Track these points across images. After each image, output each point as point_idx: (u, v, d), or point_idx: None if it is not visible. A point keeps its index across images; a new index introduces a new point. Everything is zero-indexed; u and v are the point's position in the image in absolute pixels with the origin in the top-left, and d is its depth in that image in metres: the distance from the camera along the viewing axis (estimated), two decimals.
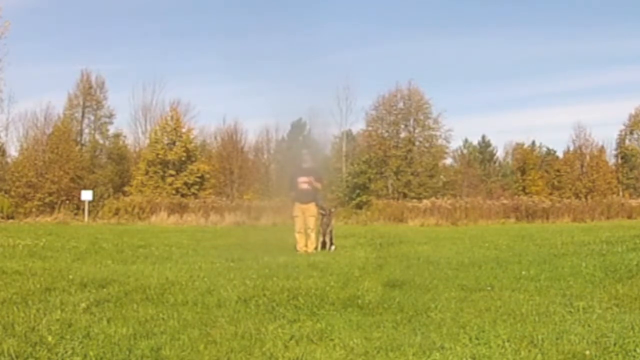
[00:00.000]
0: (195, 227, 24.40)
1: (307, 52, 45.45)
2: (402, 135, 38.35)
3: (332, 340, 3.93)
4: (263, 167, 40.23)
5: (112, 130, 39.23)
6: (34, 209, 29.05)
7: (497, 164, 44.91)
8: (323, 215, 11.33)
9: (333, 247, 11.39)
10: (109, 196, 31.03)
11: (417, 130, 38.35)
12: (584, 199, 34.47)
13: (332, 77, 39.58)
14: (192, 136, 35.52)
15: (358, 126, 40.80)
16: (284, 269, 7.35)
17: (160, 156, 33.10)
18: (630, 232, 14.33)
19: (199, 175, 33.71)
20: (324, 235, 11.38)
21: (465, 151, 44.19)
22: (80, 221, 27.14)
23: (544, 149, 44.39)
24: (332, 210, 12.21)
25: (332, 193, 32.67)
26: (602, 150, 41.49)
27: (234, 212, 29.04)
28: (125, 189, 33.36)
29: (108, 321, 4.35)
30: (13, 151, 35.16)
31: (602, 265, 7.17)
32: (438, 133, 37.96)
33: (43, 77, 52.30)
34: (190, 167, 33.66)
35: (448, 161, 41.29)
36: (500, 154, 45.62)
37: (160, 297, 5.33)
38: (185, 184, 33.06)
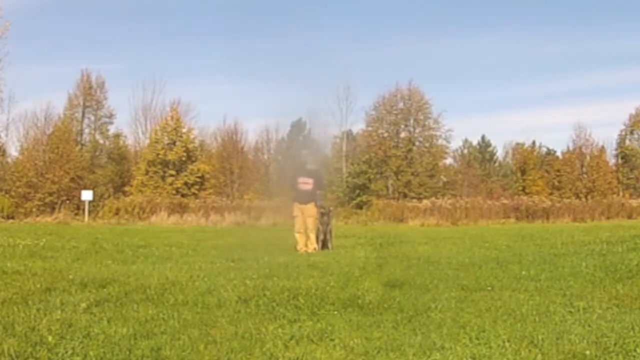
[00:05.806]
0: (196, 227, 24.40)
1: (307, 52, 45.36)
2: (402, 135, 38.33)
3: (332, 340, 3.93)
4: (263, 167, 40.21)
5: (112, 130, 39.22)
6: (34, 209, 29.08)
7: (497, 164, 44.86)
8: (323, 214, 11.28)
9: (330, 247, 11.29)
10: (109, 196, 31.07)
11: (417, 130, 38.35)
12: (584, 199, 34.44)
13: (332, 77, 39.52)
14: (192, 136, 35.57)
15: (358, 126, 40.81)
16: (284, 269, 7.35)
17: (160, 156, 33.11)
18: (630, 232, 14.33)
19: (199, 175, 33.73)
20: (324, 234, 11.30)
21: (465, 151, 44.17)
22: (81, 221, 27.14)
23: (544, 149, 44.30)
24: (331, 209, 12.15)
25: (333, 193, 32.71)
26: (602, 150, 41.43)
27: (234, 212, 29.05)
28: (126, 189, 33.40)
29: (108, 321, 4.35)
30: (13, 151, 35.23)
31: (602, 265, 7.17)
32: (438, 133, 37.99)
33: (43, 77, 52.40)
34: (190, 167, 33.68)
35: (448, 161, 41.33)
36: (500, 154, 45.63)
37: (161, 297, 5.33)
38: (186, 184, 33.07)
